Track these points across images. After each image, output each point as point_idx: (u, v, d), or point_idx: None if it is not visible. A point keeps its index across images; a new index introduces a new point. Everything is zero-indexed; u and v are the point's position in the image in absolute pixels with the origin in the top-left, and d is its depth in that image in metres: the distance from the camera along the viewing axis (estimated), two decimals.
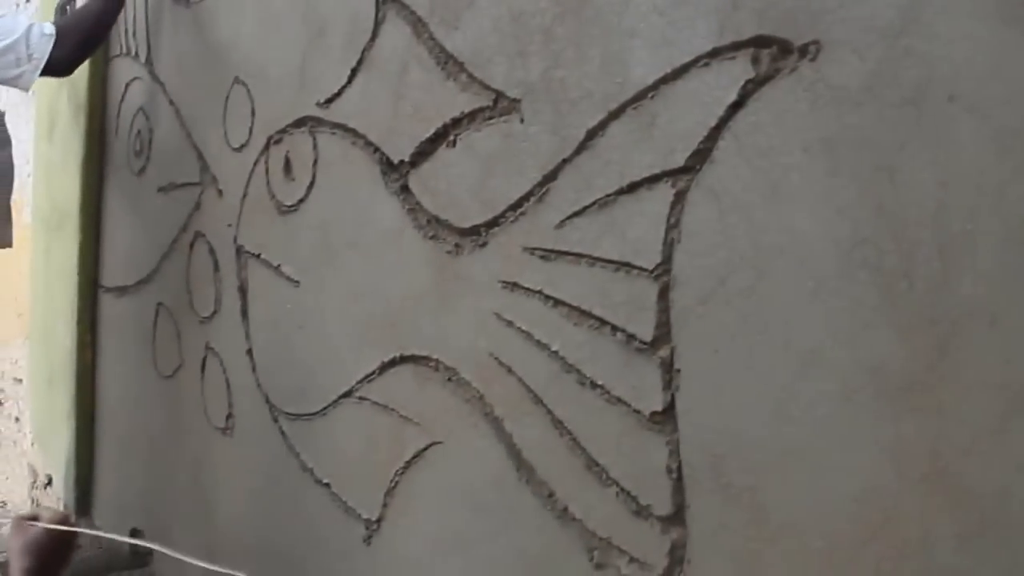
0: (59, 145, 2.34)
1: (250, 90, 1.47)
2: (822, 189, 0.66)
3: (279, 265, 1.39)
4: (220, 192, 1.58)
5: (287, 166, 1.37)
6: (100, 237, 2.19)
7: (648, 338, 0.79)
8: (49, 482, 2.45)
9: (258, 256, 1.45)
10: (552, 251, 0.90)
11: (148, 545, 1.25)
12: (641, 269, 0.80)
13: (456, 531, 1.03)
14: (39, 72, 1.65)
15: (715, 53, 0.74)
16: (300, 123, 1.33)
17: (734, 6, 0.72)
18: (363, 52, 1.18)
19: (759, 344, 0.70)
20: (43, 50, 1.63)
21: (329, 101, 1.25)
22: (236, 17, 1.54)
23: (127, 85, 2.03)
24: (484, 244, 0.98)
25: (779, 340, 0.69)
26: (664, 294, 0.78)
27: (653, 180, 0.79)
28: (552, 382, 0.89)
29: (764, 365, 0.70)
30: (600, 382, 0.84)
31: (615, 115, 0.83)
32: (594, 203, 0.85)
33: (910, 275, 0.61)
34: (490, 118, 0.97)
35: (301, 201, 1.33)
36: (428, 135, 1.06)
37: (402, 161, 1.11)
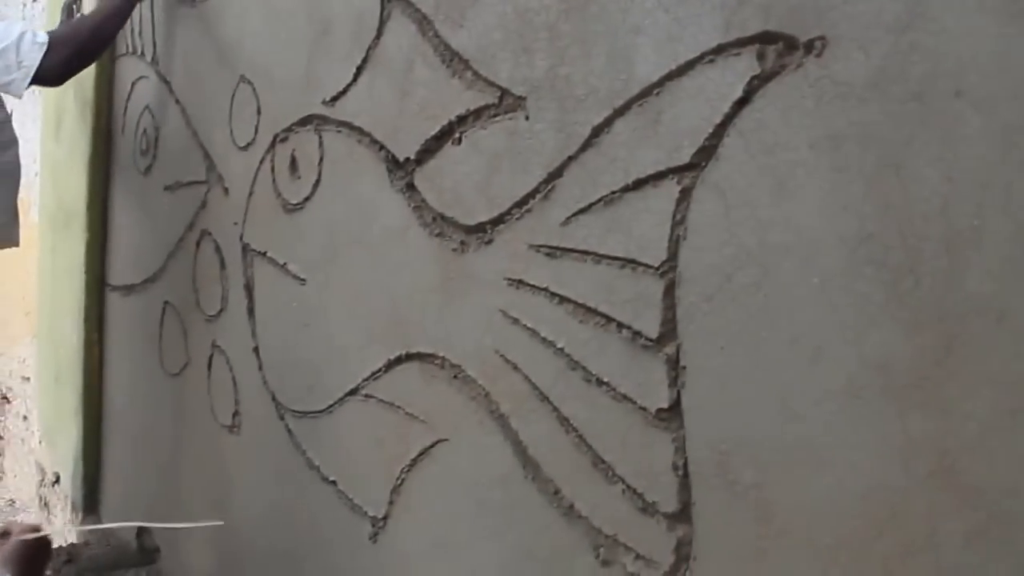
0: (66, 144, 2.35)
1: (256, 89, 1.47)
2: (828, 185, 0.66)
3: (285, 263, 1.39)
4: (226, 190, 1.58)
5: (293, 164, 1.37)
6: (107, 236, 2.19)
7: (654, 335, 0.79)
8: (57, 480, 2.46)
9: (264, 254, 1.45)
10: (558, 248, 0.90)
11: (108, 525, 1.34)
12: (647, 266, 0.80)
13: (462, 528, 1.03)
14: (29, 80, 1.64)
15: (720, 49, 0.74)
16: (306, 121, 1.33)
17: (739, 2, 0.72)
18: (368, 50, 1.18)
19: (765, 341, 0.70)
20: (33, 58, 1.62)
21: (335, 99, 1.26)
22: (242, 16, 1.54)
23: (133, 84, 2.03)
24: (490, 241, 0.98)
25: (785, 337, 0.69)
26: (670, 291, 0.78)
27: (659, 177, 0.79)
28: (558, 379, 0.89)
29: (770, 362, 0.70)
30: (606, 379, 0.84)
31: (620, 112, 0.83)
32: (600, 200, 0.85)
33: (916, 271, 0.60)
34: (495, 115, 0.97)
35: (307, 199, 1.33)
36: (434, 133, 1.06)
37: (408, 159, 1.11)
